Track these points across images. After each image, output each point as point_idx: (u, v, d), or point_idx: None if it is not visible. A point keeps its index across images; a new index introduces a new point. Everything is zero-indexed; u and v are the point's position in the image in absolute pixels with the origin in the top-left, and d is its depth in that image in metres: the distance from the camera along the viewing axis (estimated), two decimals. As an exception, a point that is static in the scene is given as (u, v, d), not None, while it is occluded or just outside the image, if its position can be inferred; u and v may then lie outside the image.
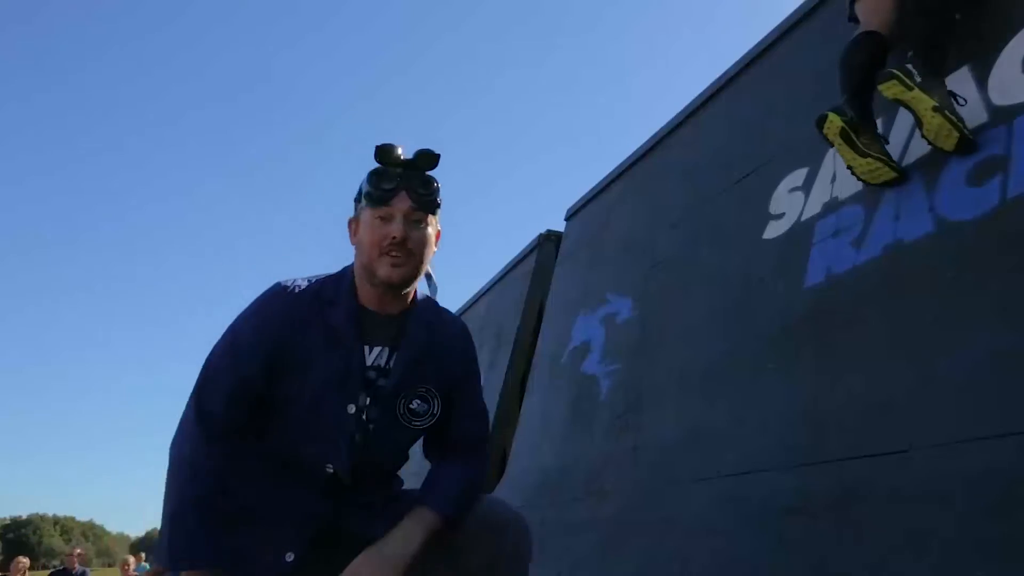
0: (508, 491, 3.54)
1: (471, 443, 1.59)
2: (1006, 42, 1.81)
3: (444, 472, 1.53)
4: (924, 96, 1.80)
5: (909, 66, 1.86)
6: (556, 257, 4.50)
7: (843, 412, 1.88)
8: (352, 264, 1.53)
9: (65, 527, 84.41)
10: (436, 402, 1.51)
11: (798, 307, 2.18)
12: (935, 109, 1.78)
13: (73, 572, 9.28)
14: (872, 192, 2.06)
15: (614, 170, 3.99)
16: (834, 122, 1.97)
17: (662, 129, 3.58)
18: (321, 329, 1.44)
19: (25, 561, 10.03)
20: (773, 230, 2.46)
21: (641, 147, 3.75)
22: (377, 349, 1.48)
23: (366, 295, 1.48)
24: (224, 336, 1.48)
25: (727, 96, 3.12)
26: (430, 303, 1.58)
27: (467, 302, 6.15)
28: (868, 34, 2.04)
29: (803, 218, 2.33)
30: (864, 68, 2.01)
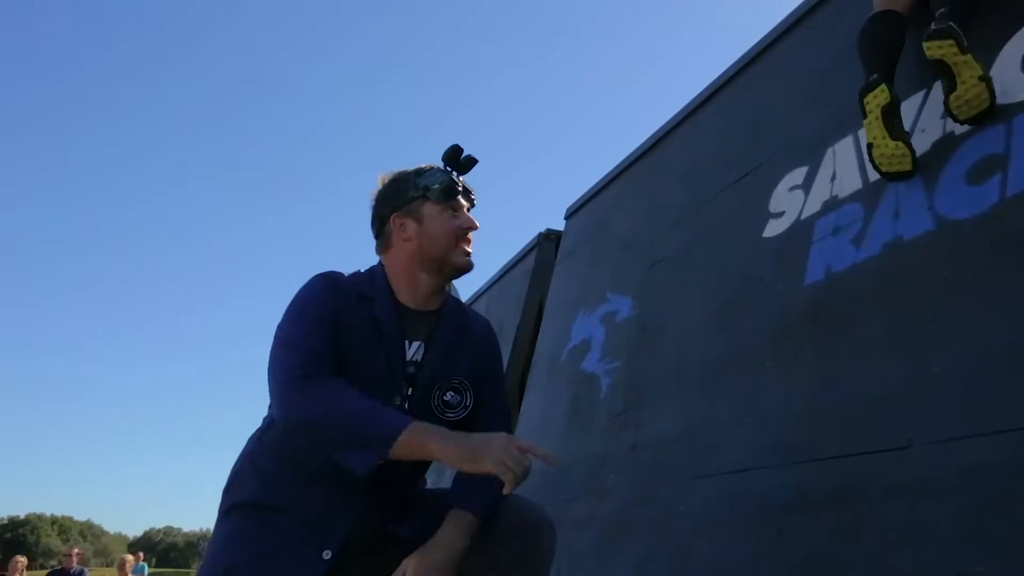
0: (507, 489, 3.54)
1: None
2: (1005, 41, 1.82)
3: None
4: (974, 62, 1.72)
5: (956, 26, 1.75)
6: (556, 256, 4.51)
7: (842, 409, 1.88)
8: (377, 264, 1.60)
9: (63, 527, 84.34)
10: (468, 394, 1.56)
11: (798, 305, 2.19)
12: (981, 79, 1.71)
13: (71, 571, 9.27)
14: (872, 190, 2.07)
15: (614, 169, 4.00)
16: (883, 93, 1.86)
17: (662, 128, 3.59)
18: (366, 322, 1.48)
19: (23, 561, 10.02)
20: (773, 228, 2.46)
21: (641, 146, 3.76)
22: (415, 344, 1.53)
23: (405, 292, 1.55)
24: (281, 328, 1.48)
25: (727, 95, 3.13)
26: (456, 302, 1.66)
27: (467, 301, 6.15)
28: (888, 13, 1.96)
29: (803, 216, 2.34)
30: (892, 47, 1.93)
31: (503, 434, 1.38)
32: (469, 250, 1.57)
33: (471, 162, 1.62)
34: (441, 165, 1.62)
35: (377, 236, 1.62)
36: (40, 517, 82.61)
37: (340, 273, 1.56)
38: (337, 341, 1.44)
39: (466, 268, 1.57)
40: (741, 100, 2.99)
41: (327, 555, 1.39)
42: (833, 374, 1.96)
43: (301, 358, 1.40)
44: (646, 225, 3.38)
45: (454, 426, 1.57)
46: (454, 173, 1.60)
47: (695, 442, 2.40)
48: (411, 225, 1.55)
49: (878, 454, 1.70)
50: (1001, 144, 1.75)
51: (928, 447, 1.59)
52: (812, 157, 2.39)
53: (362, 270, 1.61)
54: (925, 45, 1.78)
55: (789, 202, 2.43)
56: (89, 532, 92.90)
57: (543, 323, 4.24)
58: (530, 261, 4.89)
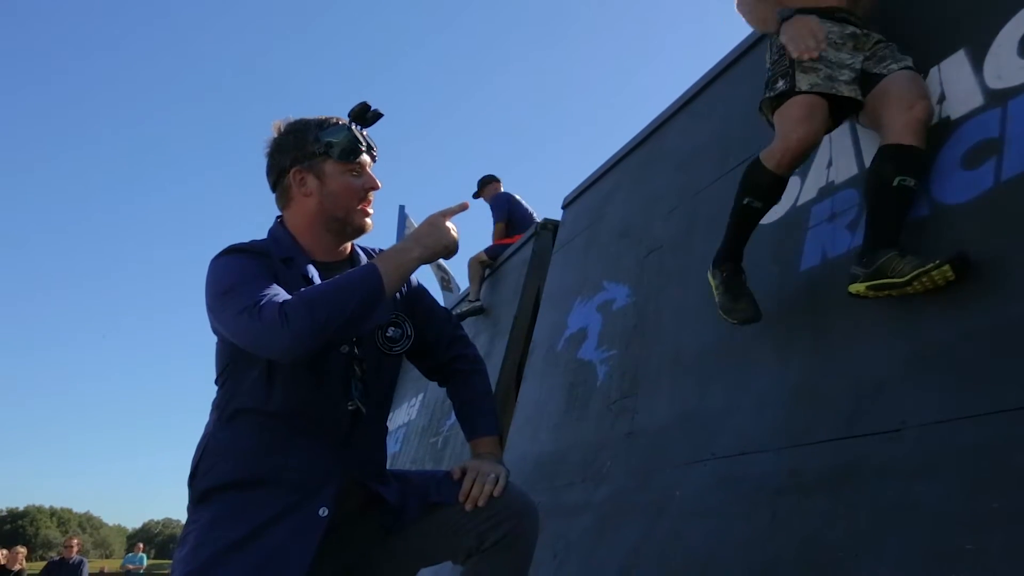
0: (504, 477, 3.54)
1: (460, 348, 1.76)
2: (1002, 26, 1.81)
3: (470, 398, 1.73)
4: (896, 281, 1.69)
5: (855, 269, 1.81)
6: (553, 245, 4.51)
7: (837, 393, 1.89)
8: (276, 225, 1.57)
9: (62, 519, 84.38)
10: (407, 324, 1.62)
11: (793, 290, 2.19)
12: (914, 279, 1.65)
13: (70, 562, 9.29)
14: (864, 178, 2.07)
15: (611, 158, 4.00)
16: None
17: (658, 117, 3.59)
18: (296, 282, 1.45)
19: (23, 551, 10.03)
20: (769, 215, 2.45)
21: (638, 135, 3.76)
22: None
23: (316, 247, 1.55)
24: (219, 293, 1.39)
25: (722, 84, 3.12)
26: (359, 246, 1.68)
27: (465, 290, 6.16)
28: (763, 174, 2.02)
29: (799, 203, 2.34)
30: (747, 229, 2.14)
31: (426, 221, 1.48)
32: (369, 211, 1.56)
33: (377, 116, 1.58)
34: (347, 120, 1.57)
35: (274, 188, 1.57)
36: (39, 509, 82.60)
37: (240, 244, 1.49)
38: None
39: (363, 230, 1.56)
40: (738, 88, 2.98)
41: (324, 512, 1.39)
42: (827, 359, 1.96)
43: (254, 291, 1.33)
44: (643, 213, 3.38)
45: (403, 358, 1.65)
46: (358, 129, 1.56)
47: (691, 428, 2.41)
48: (312, 182, 1.52)
49: (871, 437, 1.71)
50: (996, 128, 1.75)
51: (920, 429, 1.60)
52: (808, 143, 2.38)
53: (257, 239, 1.54)
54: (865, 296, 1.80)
55: (785, 190, 2.43)
56: (88, 524, 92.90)
57: (540, 312, 4.25)
58: (527, 250, 4.89)
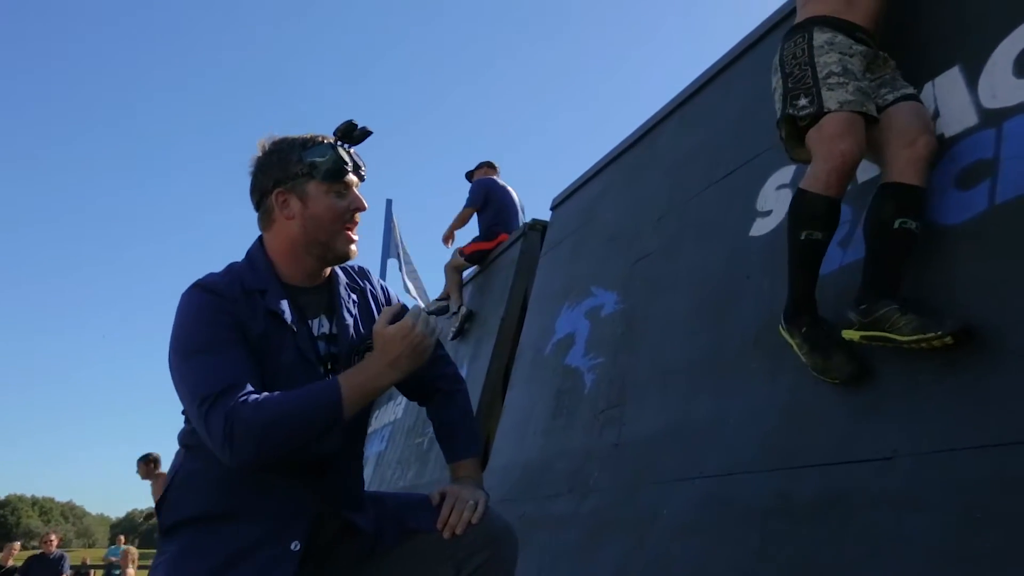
0: (489, 485, 3.51)
1: (441, 368, 1.71)
2: (996, 44, 1.79)
3: (450, 419, 1.70)
4: (894, 337, 1.66)
5: (851, 314, 1.76)
6: (541, 247, 4.47)
7: (828, 413, 1.87)
8: (256, 246, 1.52)
9: (44, 508, 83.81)
10: None
11: (784, 305, 2.16)
12: (915, 342, 1.61)
13: (50, 556, 8.99)
14: (860, 192, 2.05)
15: (600, 160, 3.96)
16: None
17: (649, 120, 3.55)
18: (264, 317, 1.41)
19: (16, 546, 9.87)
20: (760, 227, 2.44)
21: (628, 138, 3.72)
22: (317, 320, 1.50)
23: (292, 272, 1.50)
24: (180, 352, 1.36)
25: (714, 90, 3.09)
26: (343, 265, 1.63)
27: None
28: (815, 200, 1.83)
29: (790, 217, 2.31)
30: (814, 268, 1.91)
31: (391, 328, 1.40)
32: (354, 236, 1.50)
33: (365, 135, 1.53)
34: (332, 138, 1.52)
35: (257, 208, 1.52)
36: (20, 498, 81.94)
37: (214, 275, 1.44)
38: (246, 343, 1.37)
39: (347, 257, 1.50)
40: (729, 96, 2.95)
41: (296, 546, 1.36)
42: (818, 378, 1.94)
43: (214, 374, 1.30)
44: (632, 219, 3.35)
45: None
46: (345, 147, 1.51)
47: (678, 443, 2.39)
48: (295, 203, 1.46)
49: (862, 464, 1.69)
50: (991, 149, 1.72)
51: (912, 458, 1.58)
52: (800, 156, 2.35)
53: (238, 261, 1.51)
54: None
55: (776, 201, 2.40)
56: (71, 513, 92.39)
57: (528, 315, 4.21)
58: (515, 251, 4.85)
